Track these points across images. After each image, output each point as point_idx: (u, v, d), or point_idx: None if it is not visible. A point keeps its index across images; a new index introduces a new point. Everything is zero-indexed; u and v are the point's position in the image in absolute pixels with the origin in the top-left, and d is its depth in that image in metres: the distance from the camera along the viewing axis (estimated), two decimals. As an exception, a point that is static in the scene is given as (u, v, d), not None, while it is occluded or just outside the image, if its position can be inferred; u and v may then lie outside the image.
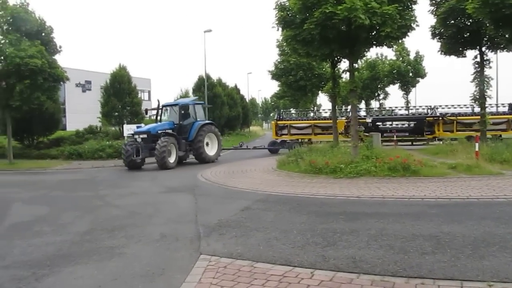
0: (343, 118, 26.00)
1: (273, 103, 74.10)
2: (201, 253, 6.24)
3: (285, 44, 18.80)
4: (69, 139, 28.06)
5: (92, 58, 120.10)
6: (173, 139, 19.82)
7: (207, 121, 23.35)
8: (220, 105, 44.03)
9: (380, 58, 45.24)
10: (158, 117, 22.21)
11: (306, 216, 8.47)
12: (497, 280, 4.78)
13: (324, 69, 31.56)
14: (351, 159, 14.08)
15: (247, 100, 67.55)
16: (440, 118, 25.02)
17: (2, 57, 20.87)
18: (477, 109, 24.44)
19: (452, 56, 21.10)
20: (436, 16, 19.93)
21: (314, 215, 8.60)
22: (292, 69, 31.57)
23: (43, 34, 22.78)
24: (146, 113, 23.58)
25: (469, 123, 24.82)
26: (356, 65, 16.61)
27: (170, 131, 20.48)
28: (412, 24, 14.59)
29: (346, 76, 28.37)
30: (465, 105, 26.16)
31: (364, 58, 40.03)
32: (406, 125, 25.37)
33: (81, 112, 41.85)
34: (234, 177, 14.93)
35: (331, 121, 23.74)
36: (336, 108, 23.16)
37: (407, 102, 42.82)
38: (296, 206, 9.64)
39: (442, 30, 20.09)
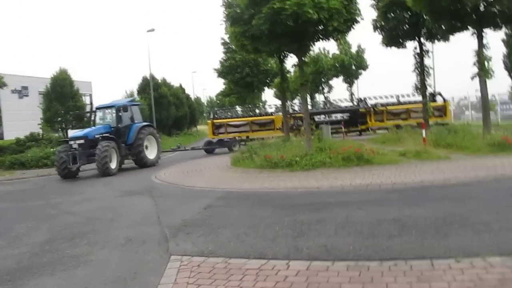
0: (279, 113, 25.35)
1: (218, 101, 73.89)
2: (171, 254, 6.12)
3: (232, 40, 18.78)
4: (9, 148, 26.66)
5: (28, 62, 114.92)
6: (113, 143, 18.47)
7: (145, 123, 21.92)
8: (167, 106, 43.40)
9: (323, 52, 46.21)
10: (92, 121, 21.13)
11: (271, 210, 8.52)
12: (464, 256, 5.00)
13: (269, 65, 31.86)
14: (305, 152, 14.28)
15: (192, 99, 67.04)
16: (372, 109, 25.94)
17: None
18: (402, 99, 27.13)
19: (393, 48, 21.89)
20: (377, 10, 20.58)
21: (278, 208, 8.66)
22: (238, 66, 31.69)
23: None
24: (76, 118, 22.32)
25: (397, 112, 26.14)
26: (305, 59, 16.86)
27: (107, 135, 18.99)
28: (357, 17, 14.98)
29: (292, 70, 28.89)
30: (391, 96, 27.49)
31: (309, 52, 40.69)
32: (340, 117, 25.98)
33: (19, 119, 39.91)
34: (190, 176, 14.77)
35: (268, 117, 24.67)
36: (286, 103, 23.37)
37: (351, 94, 44.07)
38: (259, 201, 9.69)
39: (383, 23, 20.76)
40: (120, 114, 20.10)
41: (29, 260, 6.63)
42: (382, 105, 26.64)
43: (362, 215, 7.44)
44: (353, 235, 6.24)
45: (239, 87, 34.88)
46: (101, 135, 18.76)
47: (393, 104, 26.97)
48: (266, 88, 40.93)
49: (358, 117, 25.92)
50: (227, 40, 29.74)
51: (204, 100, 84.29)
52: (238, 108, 31.50)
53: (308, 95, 49.61)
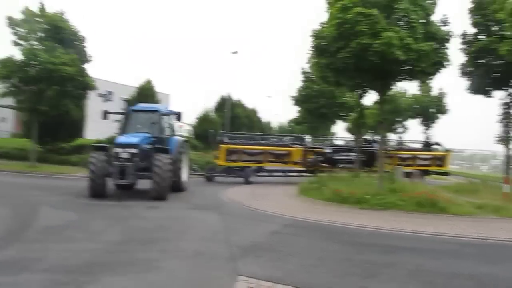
0: (298, 146, 23.35)
1: (289, 127, 74.19)
2: (238, 274, 6.19)
3: (315, 71, 18.88)
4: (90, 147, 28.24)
5: (114, 69, 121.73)
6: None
7: (183, 136, 18.82)
8: (239, 126, 44.27)
9: (401, 91, 45.23)
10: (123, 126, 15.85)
11: (339, 245, 8.41)
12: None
13: (346, 99, 31.62)
14: (377, 191, 13.98)
15: (263, 123, 67.87)
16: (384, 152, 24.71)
17: (36, 62, 21.23)
18: (413, 146, 27.11)
19: (478, 96, 21.02)
20: (467, 55, 19.95)
21: (347, 244, 8.53)
22: (314, 96, 31.67)
23: (76, 42, 23.24)
24: (105, 117, 16.10)
25: (405, 157, 24.94)
26: (385, 97, 16.63)
27: (148, 146, 14.59)
28: (444, 62, 14.65)
29: (369, 106, 28.55)
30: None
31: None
32: (360, 157, 24.63)
33: (100, 121, 42.20)
34: (257, 199, 14.87)
35: (286, 148, 23.00)
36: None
37: (427, 137, 42.57)
38: (327, 233, 9.59)
39: (472, 68, 20.06)
40: (163, 121, 15.83)
41: (105, 256, 6.98)
42: (396, 149, 25.56)
43: (435, 265, 7.14)
44: (426, 286, 6.00)
45: (313, 116, 34.82)
46: (149, 146, 14.59)
47: (402, 149, 26.07)
48: (338, 121, 40.68)
49: (374, 158, 24.64)
50: (307, 70, 29.97)
51: (274, 125, 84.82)
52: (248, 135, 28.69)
53: (387, 132, 48.60)
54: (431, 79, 20.96)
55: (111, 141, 26.33)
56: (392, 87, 17.46)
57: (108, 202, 12.76)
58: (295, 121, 47.93)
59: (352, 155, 23.51)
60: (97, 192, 13.20)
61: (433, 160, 25.80)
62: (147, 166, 13.77)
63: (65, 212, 10.91)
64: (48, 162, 24.64)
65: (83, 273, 6.04)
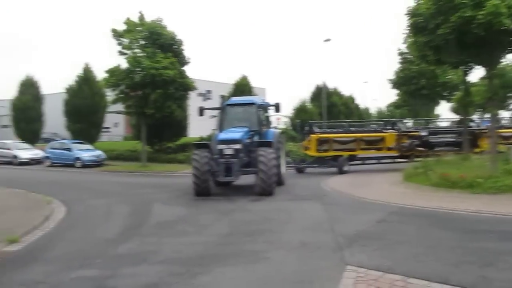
0: (391, 130, 21.65)
1: (389, 112, 71.64)
2: (346, 264, 6.13)
3: (413, 51, 18.00)
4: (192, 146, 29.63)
5: (211, 69, 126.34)
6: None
7: (278, 129, 17.97)
8: (337, 115, 43.63)
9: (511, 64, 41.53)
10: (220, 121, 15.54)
11: (450, 232, 7.98)
12: None
13: (448, 77, 29.78)
14: (490, 174, 13.01)
15: (361, 110, 66.25)
16: (483, 131, 21.95)
17: (139, 69, 22.73)
18: None
19: None
20: None
21: (459, 231, 8.06)
22: (414, 77, 30.25)
23: (174, 46, 24.47)
24: (201, 114, 16.04)
25: (508, 136, 21.70)
26: (494, 71, 15.38)
27: (249, 140, 14.36)
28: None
29: (476, 83, 26.59)
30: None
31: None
32: (457, 139, 21.62)
33: (202, 119, 44.01)
34: (359, 188, 14.57)
35: (379, 134, 21.31)
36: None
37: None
38: (436, 220, 9.14)
39: None
40: (260, 114, 15.54)
41: (215, 249, 7.32)
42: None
43: None
44: (555, 274, 5.49)
45: (413, 99, 33.32)
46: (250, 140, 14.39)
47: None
48: (442, 102, 38.44)
49: (474, 139, 22.07)
50: (404, 50, 28.69)
51: (373, 111, 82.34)
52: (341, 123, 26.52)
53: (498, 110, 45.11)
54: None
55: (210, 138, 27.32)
56: (501, 60, 16.10)
57: (214, 197, 13.25)
58: (394, 105, 46.25)
59: (450, 137, 21.94)
60: (202, 190, 13.12)
61: None
62: (250, 161, 13.55)
63: (175, 208, 11.58)
64: (157, 161, 26.33)
65: (196, 264, 6.39)
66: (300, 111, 37.37)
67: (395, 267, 5.92)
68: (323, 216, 9.90)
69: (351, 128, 22.97)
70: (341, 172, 19.74)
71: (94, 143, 31.11)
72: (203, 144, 14.41)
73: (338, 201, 12.23)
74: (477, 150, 21.24)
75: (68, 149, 27.55)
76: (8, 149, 29.84)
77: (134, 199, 13.40)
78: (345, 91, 56.31)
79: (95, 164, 26.56)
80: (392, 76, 32.47)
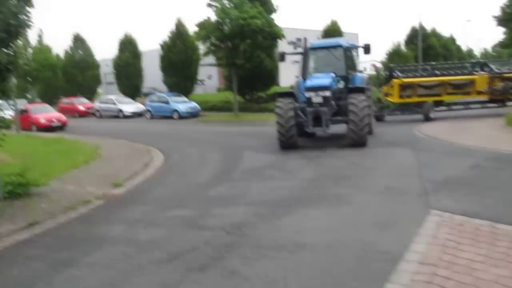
0: (483, 72, 19.37)
1: (495, 53, 65.86)
2: (431, 208, 6.02)
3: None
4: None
5: (299, 16, 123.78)
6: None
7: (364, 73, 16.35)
8: (435, 57, 41.02)
9: None
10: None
11: (553, 178, 7.43)
12: None
13: None
14: None
15: (463, 51, 61.56)
16: None
17: (228, 20, 22.98)
18: None
19: None
20: None
21: (562, 177, 7.48)
22: (525, 11, 27.35)
23: (261, -5, 24.32)
24: (282, 59, 14.87)
25: None
26: None
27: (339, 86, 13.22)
28: None
29: None
30: None
31: None
32: None
33: (293, 68, 43.77)
34: (456, 133, 13.83)
35: (467, 77, 19.02)
36: None
37: None
38: (537, 166, 8.53)
39: None
40: (347, 57, 13.81)
41: (299, 192, 7.55)
42: None
43: None
44: None
45: (523, 36, 30.26)
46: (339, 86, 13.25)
47: None
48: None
49: None
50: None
51: (477, 52, 76.10)
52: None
53: None
54: None
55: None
56: None
57: (302, 143, 13.30)
58: (501, 44, 42.34)
59: None
60: (288, 142, 12.23)
61: None
62: (340, 109, 12.44)
63: (264, 155, 11.91)
64: (249, 111, 26.92)
65: (280, 206, 6.67)
66: (394, 55, 35.64)
67: (483, 212, 5.71)
68: (412, 162, 9.64)
69: (436, 72, 20.75)
70: (427, 119, 18.41)
71: (189, 95, 32.42)
72: (287, 93, 13.30)
73: (430, 147, 11.75)
74: None
75: (166, 102, 28.99)
76: (114, 104, 32.15)
77: (226, 147, 13.98)
78: (445, 32, 52.45)
79: (191, 115, 27.80)
80: (498, 12, 29.63)
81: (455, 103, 20.22)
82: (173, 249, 5.20)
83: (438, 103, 19.59)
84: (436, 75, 20.00)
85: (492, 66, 20.15)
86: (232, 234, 5.58)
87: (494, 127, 14.64)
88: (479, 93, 19.19)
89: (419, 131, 14.90)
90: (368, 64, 32.64)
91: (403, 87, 19.23)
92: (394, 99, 19.51)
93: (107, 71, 46.90)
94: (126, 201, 7.84)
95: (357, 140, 11.87)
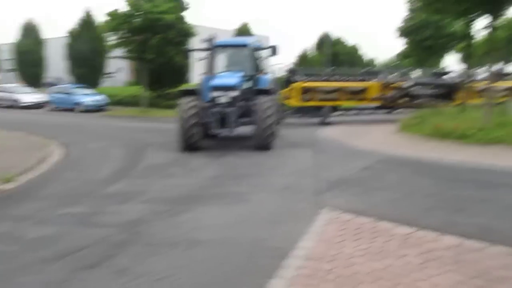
0: (375, 80, 20.58)
1: (397, 62, 70.58)
2: (322, 207, 6.36)
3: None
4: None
5: (213, 16, 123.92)
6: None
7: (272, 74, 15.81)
8: (340, 64, 43.13)
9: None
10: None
11: (431, 180, 8.17)
12: None
13: (453, 29, 29.19)
14: (483, 125, 13.05)
15: (366, 59, 65.30)
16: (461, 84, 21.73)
17: (139, 13, 22.43)
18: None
19: None
20: None
21: (440, 180, 8.24)
22: (420, 27, 29.68)
23: (174, -10, 24.02)
24: (187, 55, 15.13)
25: (484, 89, 21.36)
26: (497, 22, 15.09)
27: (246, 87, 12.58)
28: None
29: (480, 35, 26.02)
30: None
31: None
32: (438, 91, 21.19)
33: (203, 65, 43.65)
34: (354, 136, 14.71)
35: (362, 83, 20.23)
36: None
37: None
38: (421, 169, 9.34)
39: None
40: (254, 57, 13.49)
41: (199, 190, 7.59)
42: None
43: (536, 201, 6.69)
44: (520, 221, 5.70)
45: (419, 49, 32.80)
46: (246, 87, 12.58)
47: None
48: (448, 53, 37.82)
49: (451, 91, 21.47)
50: (413, -2, 28.00)
51: (380, 61, 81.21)
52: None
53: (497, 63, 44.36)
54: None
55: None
56: (505, 10, 15.73)
57: (206, 142, 13.32)
58: (403, 55, 45.50)
59: (431, 89, 21.62)
60: (189, 145, 11.55)
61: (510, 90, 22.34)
62: (246, 111, 12.02)
63: (168, 152, 11.76)
64: (158, 107, 26.44)
65: (178, 203, 6.66)
66: (303, 60, 36.95)
67: (369, 210, 6.14)
68: (311, 163, 10.11)
69: (334, 77, 21.38)
70: (325, 123, 18.99)
71: (96, 88, 31.17)
72: (191, 91, 12.65)
73: (329, 149, 12.39)
74: (454, 102, 21.17)
75: (70, 94, 27.61)
76: (10, 92, 29.91)
77: (130, 143, 13.63)
78: (351, 41, 55.23)
79: (96, 108, 26.73)
80: (399, 24, 31.90)
81: (350, 109, 21.15)
82: (61, 247, 5.00)
83: (335, 108, 20.29)
84: (334, 81, 20.60)
85: (384, 75, 21.55)
86: (126, 231, 5.48)
87: (389, 132, 15.73)
88: (372, 99, 20.37)
89: (321, 133, 15.62)
90: (279, 67, 33.51)
91: (304, 90, 19.53)
92: (295, 102, 19.66)
93: (3, 57, 43.66)
94: (16, 197, 7.37)
95: (261, 143, 11.65)
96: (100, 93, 28.69)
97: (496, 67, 14.62)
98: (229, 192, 7.39)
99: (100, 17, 28.99)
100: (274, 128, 12.05)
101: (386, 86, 20.36)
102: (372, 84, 20.43)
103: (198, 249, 4.87)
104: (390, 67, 70.04)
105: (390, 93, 20.33)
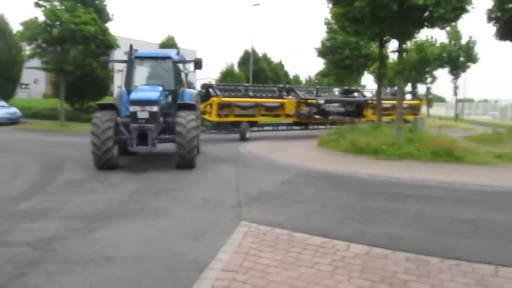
0: (291, 97, 21.42)
1: (317, 80, 73.42)
2: (241, 220, 6.52)
3: (333, 21, 18.57)
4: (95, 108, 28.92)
5: (138, 28, 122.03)
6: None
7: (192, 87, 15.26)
8: (264, 80, 44.16)
9: (430, 40, 43.93)
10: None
11: (345, 193, 8.63)
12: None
13: (371, 49, 31.04)
14: (394, 141, 13.99)
15: (291, 77, 67.38)
16: (370, 102, 23.95)
17: (58, 23, 21.63)
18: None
19: (507, 42, 20.28)
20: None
21: (353, 192, 8.74)
22: (339, 47, 31.22)
23: (96, 1, 23.49)
24: (104, 66, 14.44)
25: (387, 107, 23.89)
26: (405, 46, 16.32)
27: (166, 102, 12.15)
28: (467, 6, 14.12)
29: (393, 56, 27.91)
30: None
31: (413, 39, 38.87)
32: (347, 108, 23.50)
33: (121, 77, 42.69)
34: (275, 151, 15.15)
35: (278, 100, 20.74)
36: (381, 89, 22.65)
37: (456, 87, 41.74)
38: (336, 183, 9.82)
39: (499, 14, 19.27)
40: (176, 70, 12.93)
41: (118, 206, 7.45)
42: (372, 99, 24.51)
43: (436, 211, 7.29)
44: (421, 230, 6.19)
45: (338, 68, 34.42)
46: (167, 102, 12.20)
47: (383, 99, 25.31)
48: (365, 72, 40.07)
49: (360, 108, 23.61)
50: (330, 20, 29.43)
51: (302, 78, 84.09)
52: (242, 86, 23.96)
53: (410, 83, 47.61)
54: (451, 25, 20.21)
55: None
56: (413, 35, 17.07)
57: (129, 157, 13.14)
58: (322, 74, 47.47)
59: (342, 107, 23.06)
60: (104, 162, 10.81)
61: (409, 109, 25.90)
62: (167, 127, 11.58)
63: (87, 167, 11.41)
64: (78, 121, 25.52)
65: (95, 220, 6.50)
66: (227, 75, 37.42)
67: (285, 223, 6.38)
68: (232, 177, 10.27)
69: (249, 93, 21.57)
70: (243, 138, 19.10)
71: (9, 99, 29.43)
72: (108, 105, 11.71)
73: (251, 163, 12.66)
74: (363, 119, 22.73)
75: (-21, 105, 25.88)
76: None
77: (46, 158, 13.05)
78: (275, 58, 56.90)
79: (9, 121, 25.22)
80: (318, 45, 33.30)
81: (266, 124, 21.54)
82: (-34, 267, 4.72)
83: (252, 124, 20.40)
84: (250, 97, 20.77)
85: (298, 92, 22.22)
86: (39, 249, 5.28)
87: (309, 147, 16.38)
88: (287, 116, 20.93)
89: (244, 148, 15.90)
90: (202, 82, 33.66)
91: (221, 106, 19.19)
92: (212, 117, 19.22)
93: None
94: None
95: (184, 162, 11.06)
96: (11, 106, 27.11)
97: (399, 88, 15.68)
98: (148, 207, 7.33)
99: (15, 25, 27.55)
100: (197, 146, 11.52)
101: (301, 102, 21.04)
102: (288, 100, 20.94)
103: (114, 265, 4.80)
104: (309, 85, 72.56)
105: (305, 110, 21.00)
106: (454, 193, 8.89)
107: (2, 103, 27.03)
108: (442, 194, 8.74)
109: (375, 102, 23.52)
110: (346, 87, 28.64)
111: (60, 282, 4.38)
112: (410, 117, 24.80)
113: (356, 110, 23.56)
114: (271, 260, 4.94)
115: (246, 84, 23.83)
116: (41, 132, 21.90)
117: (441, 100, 75.15)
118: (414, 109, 26.99)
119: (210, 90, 19.70)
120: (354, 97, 25.03)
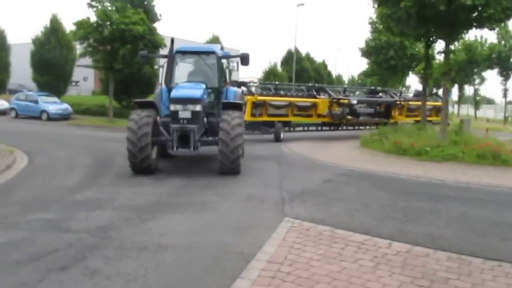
0: (324, 97, 20.66)
1: (360, 81, 72.62)
2: (285, 216, 6.74)
3: (379, 22, 18.46)
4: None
5: (184, 28, 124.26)
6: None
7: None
8: (307, 80, 44.17)
9: (479, 40, 42.67)
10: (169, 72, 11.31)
11: (387, 193, 8.70)
12: None
13: (417, 50, 30.50)
14: (438, 143, 13.84)
15: (333, 76, 67.00)
16: (398, 103, 23.50)
17: (108, 23, 22.52)
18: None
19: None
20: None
21: (395, 192, 8.79)
22: (383, 47, 30.81)
23: (145, 2, 24.28)
24: (144, 61, 14.01)
25: (413, 108, 23.89)
26: (452, 47, 16.06)
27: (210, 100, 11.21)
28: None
29: (440, 57, 27.36)
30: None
31: (461, 40, 37.90)
32: (376, 109, 22.76)
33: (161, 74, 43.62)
34: (318, 151, 15.29)
35: (310, 99, 20.00)
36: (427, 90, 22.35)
37: (505, 89, 40.35)
38: (378, 182, 9.88)
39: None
40: (220, 67, 11.70)
41: (167, 199, 7.83)
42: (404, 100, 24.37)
43: (480, 213, 7.28)
44: (464, 230, 6.23)
45: (382, 68, 33.99)
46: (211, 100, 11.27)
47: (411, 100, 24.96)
48: (410, 73, 39.34)
49: (388, 109, 23.07)
50: (375, 20, 29.14)
51: (345, 78, 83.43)
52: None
53: (457, 85, 46.43)
54: (501, 25, 19.66)
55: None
56: (460, 36, 16.78)
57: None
58: (365, 74, 46.97)
59: (372, 108, 22.34)
60: (140, 165, 9.87)
61: (433, 110, 25.45)
62: (210, 128, 10.66)
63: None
64: (125, 117, 26.32)
65: (146, 211, 6.89)
66: (270, 74, 37.65)
67: (328, 220, 6.56)
68: (275, 174, 10.50)
69: (280, 92, 20.62)
70: (278, 139, 18.30)
71: (61, 96, 30.79)
72: (147, 103, 10.89)
73: (294, 162, 12.86)
74: (392, 120, 22.40)
75: (35, 101, 27.22)
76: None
77: (97, 152, 13.71)
78: (318, 57, 56.82)
79: (62, 117, 26.44)
80: (362, 45, 32.99)
81: (298, 125, 20.80)
82: (33, 250, 5.15)
83: (285, 124, 19.54)
84: (283, 96, 19.95)
85: (329, 91, 21.53)
86: (96, 236, 5.68)
87: (350, 147, 16.40)
88: (319, 116, 20.21)
89: (286, 147, 16.10)
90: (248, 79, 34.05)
91: (256, 104, 18.22)
92: (246, 117, 16.83)
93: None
94: (-18, 203, 7.42)
95: (228, 165, 9.94)
96: (63, 102, 28.36)
97: (444, 89, 15.45)
98: (195, 201, 7.67)
99: (68, 25, 28.84)
100: (241, 147, 10.42)
101: (333, 102, 20.38)
102: (321, 100, 20.29)
103: (166, 253, 5.13)
104: (352, 85, 71.74)
105: (338, 110, 20.32)
106: (498, 196, 8.80)
107: (55, 99, 28.34)
108: (486, 196, 8.67)
109: (403, 103, 23.48)
110: (372, 87, 28.27)
111: (117, 266, 4.73)
112: (435, 119, 24.45)
113: (385, 111, 23.30)
114: (314, 254, 5.14)
115: (277, 83, 23.17)
116: (91, 128, 22.90)
117: (490, 102, 72.80)
118: (439, 111, 26.22)
119: (243, 88, 18.22)
120: (381, 97, 24.69)
